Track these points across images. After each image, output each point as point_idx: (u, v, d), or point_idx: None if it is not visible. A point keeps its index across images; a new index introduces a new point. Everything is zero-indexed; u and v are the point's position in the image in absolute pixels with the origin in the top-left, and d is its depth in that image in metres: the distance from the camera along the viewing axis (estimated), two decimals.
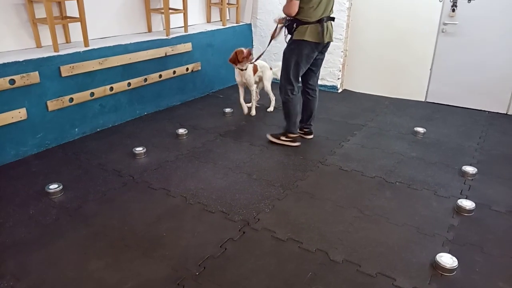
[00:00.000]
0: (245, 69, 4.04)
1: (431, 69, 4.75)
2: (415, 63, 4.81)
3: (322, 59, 3.45)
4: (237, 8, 5.42)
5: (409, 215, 2.60)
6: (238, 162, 3.27)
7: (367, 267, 2.12)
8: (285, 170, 3.16)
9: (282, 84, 3.38)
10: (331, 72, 5.21)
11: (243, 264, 2.15)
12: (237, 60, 3.93)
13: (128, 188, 2.86)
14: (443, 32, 4.57)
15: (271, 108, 4.46)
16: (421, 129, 3.89)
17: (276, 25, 3.48)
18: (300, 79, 3.44)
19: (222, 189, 2.86)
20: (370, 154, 3.45)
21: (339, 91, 5.27)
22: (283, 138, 3.53)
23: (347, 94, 5.21)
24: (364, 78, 5.20)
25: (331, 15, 3.23)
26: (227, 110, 4.37)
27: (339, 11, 4.92)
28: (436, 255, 2.16)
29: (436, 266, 2.12)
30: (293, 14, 3.07)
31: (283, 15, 3.27)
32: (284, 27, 3.31)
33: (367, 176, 3.07)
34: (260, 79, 4.35)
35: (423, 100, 4.91)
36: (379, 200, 2.76)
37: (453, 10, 4.44)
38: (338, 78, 5.20)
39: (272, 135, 3.59)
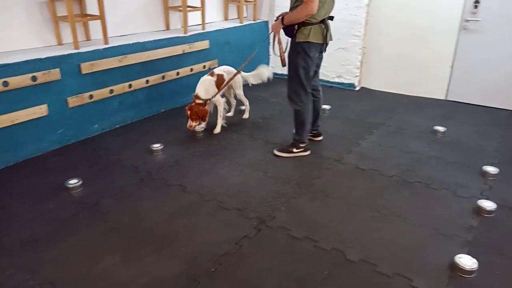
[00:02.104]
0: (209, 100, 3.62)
1: (451, 67, 4.64)
2: (435, 61, 4.71)
3: (322, 59, 3.28)
4: (254, 5, 5.42)
5: (427, 215, 2.55)
6: (254, 160, 3.27)
7: (383, 267, 2.09)
8: (301, 168, 3.14)
9: (294, 92, 3.15)
10: (348, 70, 5.15)
11: (258, 261, 2.15)
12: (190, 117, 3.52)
13: (145, 184, 2.89)
14: (464, 29, 4.46)
15: (246, 115, 4.16)
16: (440, 128, 3.81)
17: (274, 41, 3.20)
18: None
19: (238, 186, 2.87)
20: (388, 153, 3.40)
21: (357, 89, 5.21)
22: (295, 149, 3.31)
23: (365, 92, 5.14)
24: (382, 76, 5.12)
25: (331, 14, 3.09)
26: (243, 107, 4.37)
27: (357, 7, 4.86)
28: (454, 256, 2.12)
29: (455, 268, 2.08)
30: (314, 12, 2.85)
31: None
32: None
33: (385, 175, 3.03)
34: (230, 88, 3.96)
35: (443, 98, 4.81)
36: (396, 199, 2.72)
37: (476, 7, 4.33)
38: (356, 76, 5.14)
39: (281, 151, 3.35)
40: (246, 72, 4.05)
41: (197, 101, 3.54)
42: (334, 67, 5.22)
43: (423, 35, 4.69)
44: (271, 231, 2.39)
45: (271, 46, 3.41)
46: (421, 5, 4.61)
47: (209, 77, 3.65)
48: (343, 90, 5.14)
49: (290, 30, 3.01)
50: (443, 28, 4.56)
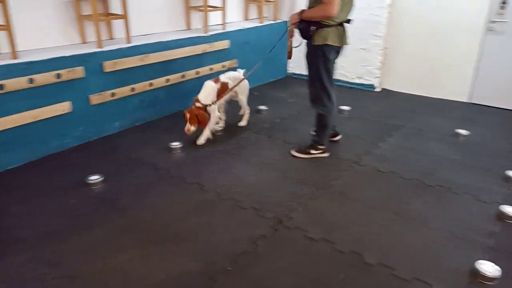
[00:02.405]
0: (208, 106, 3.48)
1: (476, 69, 4.53)
2: (458, 63, 4.61)
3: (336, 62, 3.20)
4: (274, 5, 5.42)
5: (448, 219, 2.50)
6: (271, 160, 3.27)
7: (402, 271, 2.06)
8: (319, 169, 3.12)
9: (317, 96, 3.09)
10: (368, 71, 5.09)
11: (274, 261, 2.14)
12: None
13: (163, 181, 2.93)
14: (490, 30, 4.34)
15: (243, 123, 3.97)
16: (463, 131, 3.72)
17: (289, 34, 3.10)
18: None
19: (255, 186, 2.87)
20: (408, 156, 3.34)
21: (377, 90, 5.14)
22: (313, 151, 3.29)
23: (385, 93, 5.07)
24: (403, 77, 5.04)
25: (349, 17, 3.00)
26: (262, 107, 4.38)
27: (379, 7, 4.80)
28: (475, 262, 2.07)
29: (475, 274, 2.03)
30: (334, 14, 2.77)
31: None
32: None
33: (405, 178, 2.98)
34: (235, 93, 3.81)
35: (466, 101, 4.69)
36: (416, 203, 2.67)
37: (503, 7, 4.21)
38: (377, 77, 5.07)
39: (299, 151, 3.32)
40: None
41: (197, 104, 3.42)
42: (354, 67, 5.16)
43: (447, 36, 4.59)
44: (288, 231, 2.38)
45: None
46: (446, 5, 4.52)
47: (213, 83, 3.54)
48: (363, 91, 5.08)
49: (306, 31, 2.91)
50: (467, 29, 4.45)
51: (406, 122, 4.07)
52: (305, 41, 3.02)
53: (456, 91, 4.72)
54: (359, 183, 2.93)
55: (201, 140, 3.53)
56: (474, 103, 4.64)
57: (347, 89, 5.18)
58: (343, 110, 4.30)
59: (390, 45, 5.00)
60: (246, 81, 3.80)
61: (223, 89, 3.56)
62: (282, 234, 2.36)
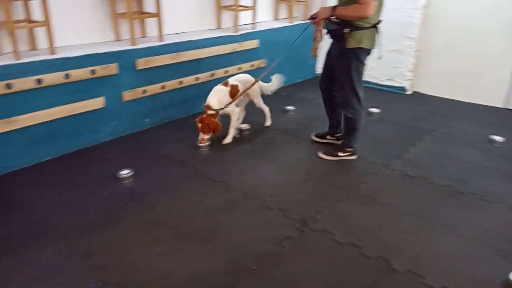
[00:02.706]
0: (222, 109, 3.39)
1: None
2: (494, 67, 4.43)
3: None
4: (305, 5, 5.38)
5: (480, 228, 2.41)
6: (298, 160, 3.26)
7: (431, 280, 2.01)
8: (347, 171, 3.08)
9: (347, 99, 3.01)
10: (400, 73, 4.98)
11: (300, 263, 2.14)
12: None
13: (190, 178, 2.97)
14: None
15: (268, 123, 3.93)
16: (497, 138, 3.59)
17: (316, 29, 2.95)
18: (326, 82, 3.24)
19: (281, 186, 2.87)
20: (440, 161, 3.25)
21: (408, 93, 5.02)
22: (341, 153, 3.24)
23: (417, 96, 4.94)
24: (436, 80, 4.90)
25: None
26: (289, 107, 4.36)
27: (412, 9, 4.69)
28: (509, 274, 1.99)
29: (509, 285, 1.96)
30: (369, 16, 2.69)
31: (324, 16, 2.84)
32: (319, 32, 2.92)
33: (435, 184, 2.90)
34: (246, 97, 3.72)
35: (501, 106, 4.52)
36: (447, 210, 2.60)
37: None
38: (408, 79, 4.95)
39: (326, 153, 3.28)
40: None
41: (209, 112, 3.32)
42: (385, 69, 5.06)
43: (483, 39, 4.43)
44: (314, 233, 2.37)
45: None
46: (482, 8, 4.36)
47: (223, 87, 3.47)
48: (394, 94, 4.98)
49: (338, 34, 2.80)
50: (504, 32, 4.28)
51: (438, 126, 3.96)
52: (327, 41, 2.96)
53: (491, 96, 4.54)
54: (388, 187, 2.87)
55: (228, 139, 3.53)
56: (510, 109, 4.46)
57: (376, 91, 5.09)
58: (373, 113, 4.23)
59: (423, 47, 4.87)
60: (257, 85, 3.70)
61: (234, 91, 3.47)
62: (308, 236, 2.35)
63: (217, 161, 3.24)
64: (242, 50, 4.53)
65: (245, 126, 3.80)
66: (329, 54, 3.12)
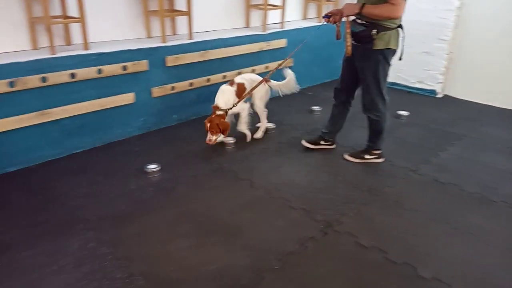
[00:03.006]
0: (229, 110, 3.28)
1: None
2: None
3: None
4: (334, 4, 5.32)
5: (510, 237, 2.33)
6: (323, 161, 3.23)
7: None
8: (373, 174, 3.04)
9: (373, 101, 2.95)
10: (431, 75, 4.85)
11: (323, 265, 2.12)
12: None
13: (216, 175, 3.00)
14: None
15: (259, 135, 3.61)
16: None
17: (339, 28, 2.86)
18: (345, 88, 3.17)
19: (305, 187, 2.86)
20: (470, 168, 3.15)
21: (439, 96, 4.89)
22: (367, 156, 3.19)
23: (448, 100, 4.81)
24: (469, 83, 4.75)
25: None
26: (316, 108, 4.33)
27: (446, 10, 4.57)
28: None
29: None
30: (399, 17, 2.66)
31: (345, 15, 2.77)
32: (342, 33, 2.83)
33: (465, 191, 2.82)
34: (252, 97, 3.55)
35: None
36: (476, 218, 2.52)
37: None
38: (439, 82, 4.83)
39: (352, 155, 3.24)
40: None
41: (218, 112, 3.25)
42: (415, 71, 4.95)
43: None
44: (338, 236, 2.35)
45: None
46: None
47: (229, 86, 3.37)
48: (424, 97, 4.86)
49: (365, 36, 2.71)
50: None
51: (469, 131, 3.84)
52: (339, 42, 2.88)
53: None
54: (415, 192, 2.81)
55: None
56: None
57: (406, 94, 4.98)
58: (401, 115, 4.14)
59: (456, 49, 4.73)
60: (266, 86, 3.53)
61: (240, 90, 3.37)
62: (332, 238, 2.33)
63: (242, 159, 3.25)
64: (270, 49, 4.52)
65: (270, 125, 3.80)
66: (347, 59, 3.00)
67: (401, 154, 3.36)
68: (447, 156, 3.35)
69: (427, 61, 4.82)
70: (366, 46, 2.76)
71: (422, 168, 3.13)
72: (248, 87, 3.41)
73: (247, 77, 3.51)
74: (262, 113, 3.61)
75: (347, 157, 3.26)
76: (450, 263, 2.14)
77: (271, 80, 3.60)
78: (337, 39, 2.92)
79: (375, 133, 3.12)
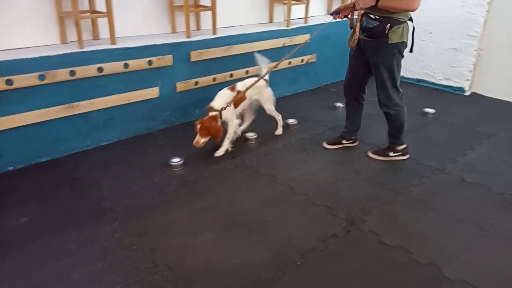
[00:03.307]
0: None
1: None
2: None
3: None
4: None
5: None
6: (347, 158, 3.20)
7: None
8: (397, 173, 2.98)
9: (389, 96, 2.91)
10: (459, 72, 4.72)
11: (345, 262, 2.11)
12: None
13: (239, 170, 3.01)
14: None
15: (279, 131, 3.61)
16: None
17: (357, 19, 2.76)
18: (355, 85, 3.12)
19: (328, 183, 2.84)
20: (500, 168, 3.06)
21: (467, 93, 4.75)
22: (392, 153, 3.15)
23: (476, 97, 4.67)
24: (498, 81, 4.59)
25: None
26: (338, 104, 4.28)
27: (476, 5, 4.43)
28: None
29: None
30: (415, 9, 2.57)
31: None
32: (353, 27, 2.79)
33: (494, 192, 2.74)
34: (255, 102, 3.44)
35: None
36: (506, 220, 2.45)
37: None
38: (467, 80, 4.69)
39: (376, 153, 3.19)
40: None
41: (211, 113, 3.10)
42: (442, 68, 4.83)
43: None
44: (361, 234, 2.32)
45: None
46: None
47: (228, 91, 3.23)
48: (451, 94, 4.74)
49: (379, 30, 2.65)
50: None
51: (499, 131, 3.72)
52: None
53: None
54: (442, 192, 2.75)
55: (220, 152, 3.20)
56: None
57: (432, 91, 4.87)
58: (427, 113, 4.05)
59: (485, 46, 4.58)
60: (269, 89, 3.47)
61: (240, 98, 3.22)
62: (355, 236, 2.30)
63: (264, 154, 3.25)
64: (293, 45, 4.48)
65: (292, 121, 3.78)
66: (356, 55, 2.97)
67: (427, 152, 3.29)
68: (475, 155, 3.26)
69: (455, 57, 4.69)
70: (380, 40, 2.72)
71: (448, 167, 3.05)
72: (248, 96, 3.30)
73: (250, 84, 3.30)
74: (275, 114, 3.56)
75: (371, 155, 3.21)
76: (478, 265, 2.09)
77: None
78: (351, 28, 2.88)
79: (397, 128, 3.07)
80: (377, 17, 2.65)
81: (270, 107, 3.50)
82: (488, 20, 4.48)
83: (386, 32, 2.66)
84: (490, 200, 2.66)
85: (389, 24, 2.64)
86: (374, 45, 2.77)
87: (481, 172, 2.99)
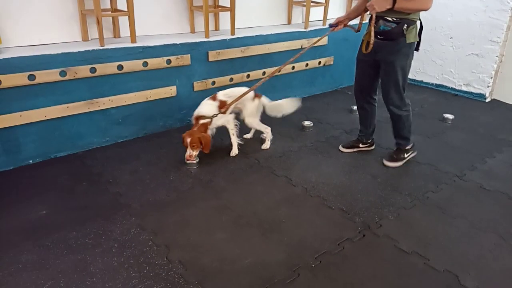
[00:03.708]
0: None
1: None
2: None
3: None
4: None
5: None
6: (363, 162, 3.17)
7: None
8: (415, 178, 2.94)
9: (399, 98, 2.90)
10: (480, 78, 4.63)
11: (360, 267, 2.08)
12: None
13: (253, 170, 3.01)
14: None
15: (266, 145, 3.34)
16: None
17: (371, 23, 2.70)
18: (366, 89, 3.12)
19: (344, 187, 2.81)
20: None
21: (487, 100, 4.66)
22: (406, 155, 3.13)
23: (497, 104, 4.57)
24: None
25: None
26: (355, 107, 4.20)
27: (500, 10, 4.33)
28: None
29: None
30: (429, 8, 2.59)
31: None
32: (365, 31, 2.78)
33: None
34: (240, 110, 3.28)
35: None
36: None
37: None
38: (488, 86, 4.60)
39: (392, 160, 3.11)
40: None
41: (201, 121, 3.03)
42: (462, 73, 4.75)
43: None
44: (377, 238, 2.29)
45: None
46: None
47: (211, 101, 3.15)
48: (471, 100, 4.65)
49: (397, 32, 2.66)
50: None
51: None
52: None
53: None
54: (460, 199, 2.70)
55: (234, 151, 3.22)
56: None
57: (452, 96, 4.79)
58: (447, 119, 3.99)
59: (508, 52, 4.48)
60: (256, 102, 3.24)
61: (221, 107, 3.13)
62: (370, 241, 2.28)
63: (279, 156, 3.25)
64: (311, 47, 4.47)
65: (308, 123, 3.77)
66: (366, 59, 2.94)
67: (446, 158, 3.24)
68: (495, 162, 3.19)
69: (476, 63, 4.61)
70: (397, 41, 2.72)
71: (468, 174, 3.00)
72: (232, 105, 3.17)
73: (231, 94, 3.18)
74: (258, 126, 3.31)
75: (388, 163, 3.11)
76: (497, 275, 2.04)
77: (263, 96, 3.31)
78: (357, 31, 3.05)
79: (407, 129, 3.07)
80: (394, 19, 2.66)
81: (251, 121, 3.25)
82: (511, 26, 4.38)
83: (404, 32, 2.68)
84: (510, 208, 2.60)
85: (405, 25, 2.66)
86: (390, 46, 2.76)
87: (501, 179, 2.93)
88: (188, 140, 2.95)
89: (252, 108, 3.23)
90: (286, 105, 3.37)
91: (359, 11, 3.06)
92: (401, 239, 2.28)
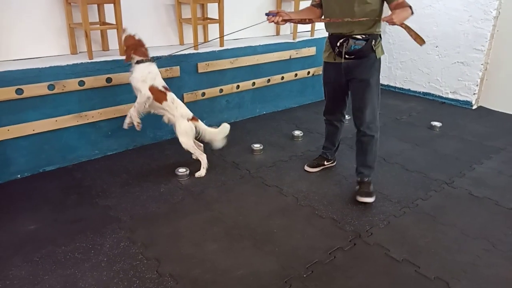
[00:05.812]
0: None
1: None
2: None
3: None
4: None
5: None
6: (353, 171, 3.16)
7: None
8: (404, 186, 2.96)
9: (374, 116, 2.68)
10: (466, 86, 4.71)
11: (352, 276, 2.08)
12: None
13: (244, 181, 3.01)
14: None
15: (200, 173, 3.06)
16: None
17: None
18: (337, 108, 2.95)
19: (334, 196, 2.82)
20: (509, 183, 3.03)
21: (474, 107, 4.74)
22: (372, 187, 2.80)
23: (484, 111, 4.65)
24: (506, 95, 4.57)
25: None
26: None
27: (483, 20, 4.44)
28: None
29: None
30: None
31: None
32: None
33: (504, 207, 2.70)
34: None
35: None
36: None
37: None
38: (474, 93, 4.68)
39: (368, 195, 2.72)
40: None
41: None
42: (449, 81, 4.83)
43: None
44: (368, 247, 2.30)
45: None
46: None
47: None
48: (457, 108, 4.73)
49: (368, 48, 2.51)
50: None
51: (507, 145, 3.69)
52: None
53: None
54: (450, 206, 2.72)
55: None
56: None
57: (438, 104, 4.86)
58: (434, 126, 4.04)
59: (493, 60, 4.58)
60: (189, 124, 2.98)
61: (156, 93, 2.95)
62: (361, 250, 2.28)
63: (270, 166, 3.25)
64: (300, 57, 4.53)
65: (298, 133, 3.79)
66: (334, 80, 2.76)
67: (435, 166, 3.27)
68: (484, 169, 3.23)
69: (462, 71, 4.69)
70: (367, 58, 2.57)
71: (456, 181, 3.03)
72: (165, 107, 2.98)
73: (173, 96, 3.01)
74: (193, 149, 3.05)
75: (365, 199, 2.71)
76: (487, 282, 2.05)
77: (199, 121, 3.07)
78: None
79: (374, 156, 2.78)
80: (363, 36, 2.50)
81: (183, 141, 2.99)
82: (494, 34, 4.49)
83: (374, 48, 2.55)
84: (499, 215, 2.63)
85: (373, 40, 2.53)
86: (363, 64, 2.59)
87: (490, 186, 2.96)
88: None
89: (184, 128, 2.97)
90: (219, 133, 3.10)
91: (304, 19, 2.75)
92: (392, 247, 2.29)
